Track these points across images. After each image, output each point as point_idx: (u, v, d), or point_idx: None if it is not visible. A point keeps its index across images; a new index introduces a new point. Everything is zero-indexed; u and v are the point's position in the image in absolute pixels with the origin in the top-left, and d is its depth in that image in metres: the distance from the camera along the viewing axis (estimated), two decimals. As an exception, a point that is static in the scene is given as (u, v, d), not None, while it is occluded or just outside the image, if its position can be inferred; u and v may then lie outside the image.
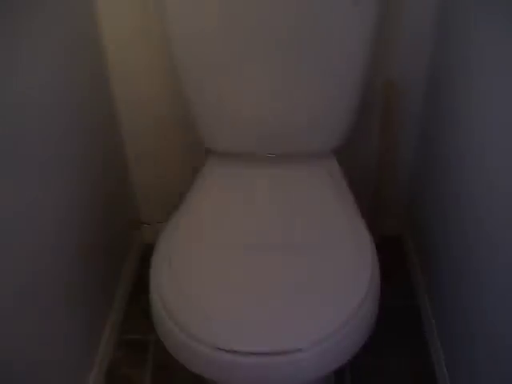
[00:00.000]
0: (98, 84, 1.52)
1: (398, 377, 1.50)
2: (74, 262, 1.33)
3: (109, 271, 1.61)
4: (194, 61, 1.33)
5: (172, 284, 1.08)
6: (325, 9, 1.25)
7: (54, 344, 1.24)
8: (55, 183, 1.23)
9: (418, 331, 1.61)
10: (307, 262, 1.12)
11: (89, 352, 1.45)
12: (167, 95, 1.59)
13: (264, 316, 1.02)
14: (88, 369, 1.43)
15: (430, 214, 1.59)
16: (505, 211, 1.06)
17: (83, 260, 1.39)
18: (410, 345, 1.57)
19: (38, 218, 1.14)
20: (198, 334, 0.98)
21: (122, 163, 1.72)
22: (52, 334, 1.22)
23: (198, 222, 1.24)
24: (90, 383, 1.41)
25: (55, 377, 1.24)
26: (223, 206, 1.30)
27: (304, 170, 1.40)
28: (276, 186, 1.37)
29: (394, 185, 1.75)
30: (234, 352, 0.96)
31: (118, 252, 1.70)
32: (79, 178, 1.37)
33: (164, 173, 1.77)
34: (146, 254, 1.84)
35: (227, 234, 1.21)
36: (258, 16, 1.26)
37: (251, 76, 1.34)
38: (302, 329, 1.00)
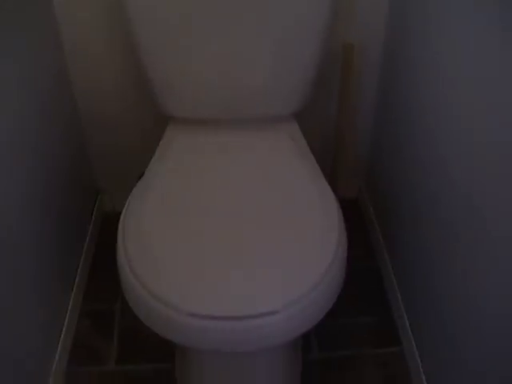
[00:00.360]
0: (52, 47, 1.47)
1: (361, 336, 1.53)
2: (35, 231, 1.31)
3: (69, 242, 1.58)
4: (152, 26, 1.30)
5: (140, 250, 1.07)
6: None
7: (17, 319, 1.21)
8: (11, 154, 1.19)
9: (379, 291, 1.64)
10: (276, 227, 1.13)
11: (53, 325, 1.43)
12: (125, 61, 1.56)
13: (235, 280, 1.02)
14: (54, 343, 1.42)
15: (389, 174, 1.61)
16: (465, 166, 1.09)
17: (42, 232, 1.36)
18: (372, 305, 1.61)
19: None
20: (170, 300, 0.98)
21: (78, 131, 1.68)
22: (12, 307, 1.19)
23: (162, 191, 1.22)
24: (56, 357, 1.40)
25: (20, 353, 1.22)
26: (186, 174, 1.28)
27: (266, 133, 1.40)
28: (238, 150, 1.36)
29: (352, 147, 1.77)
30: (206, 317, 0.96)
31: (77, 222, 1.67)
32: (35, 149, 1.33)
33: (122, 139, 1.74)
34: (106, 222, 1.82)
35: (193, 202, 1.19)
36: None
37: (210, 40, 1.32)
38: (274, 291, 1.00)
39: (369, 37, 1.55)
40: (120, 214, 1.18)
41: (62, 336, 1.45)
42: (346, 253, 1.11)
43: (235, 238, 1.10)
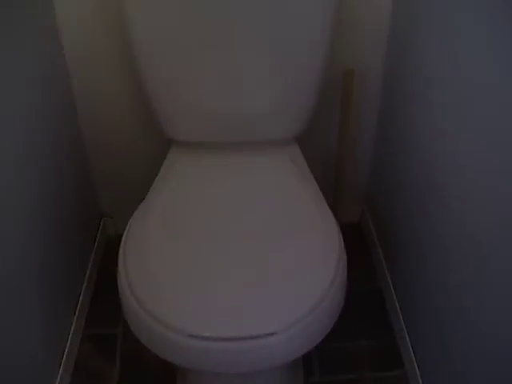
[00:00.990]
0: (56, 75, 1.50)
1: (363, 359, 1.52)
2: (37, 257, 1.32)
3: (72, 265, 1.59)
4: (153, 49, 1.31)
5: (141, 273, 1.08)
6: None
7: (17, 340, 1.21)
8: (17, 181, 1.21)
9: (381, 313, 1.64)
10: (275, 248, 1.14)
11: (55, 348, 1.43)
12: (127, 88, 1.58)
13: (235, 301, 1.02)
14: (56, 365, 1.42)
15: (390, 197, 1.62)
16: (470, 190, 1.10)
17: (45, 256, 1.37)
18: (374, 327, 1.61)
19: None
20: (170, 321, 0.99)
21: (82, 156, 1.70)
22: (14, 329, 1.20)
23: (163, 213, 1.23)
24: (58, 379, 1.40)
25: (22, 374, 1.23)
26: (188, 196, 1.29)
27: (267, 157, 1.42)
28: (240, 173, 1.38)
29: (354, 172, 1.78)
30: (207, 338, 0.97)
31: (80, 246, 1.68)
32: (41, 175, 1.35)
33: (125, 165, 1.76)
34: (109, 246, 1.83)
35: (195, 224, 1.21)
36: (218, 4, 1.26)
37: (211, 65, 1.33)
38: (273, 313, 1.01)
39: (369, 63, 1.57)
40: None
41: (64, 358, 1.45)
42: (345, 273, 1.12)
43: (236, 261, 1.11)
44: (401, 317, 1.53)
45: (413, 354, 1.43)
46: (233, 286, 1.06)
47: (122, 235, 1.20)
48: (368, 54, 1.57)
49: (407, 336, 1.47)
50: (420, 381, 1.38)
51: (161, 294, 1.04)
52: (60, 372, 1.42)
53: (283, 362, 1.05)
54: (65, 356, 1.46)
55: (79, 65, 1.54)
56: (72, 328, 1.53)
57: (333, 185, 1.76)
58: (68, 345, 1.48)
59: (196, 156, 1.42)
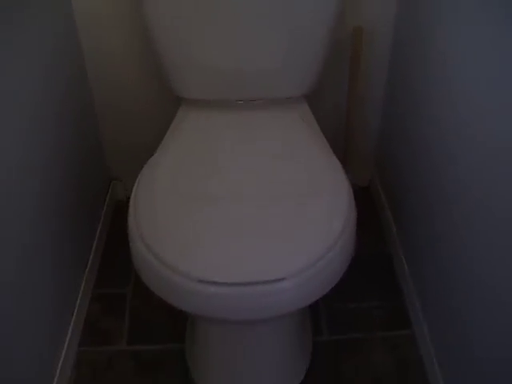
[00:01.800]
0: (67, 36, 1.50)
1: (372, 319, 1.53)
2: (48, 219, 1.32)
3: (82, 227, 1.59)
4: (163, 8, 1.31)
5: (151, 219, 1.08)
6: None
7: (30, 299, 1.22)
8: (27, 142, 1.21)
9: (390, 276, 1.64)
10: (287, 197, 1.14)
11: (66, 307, 1.44)
12: (137, 48, 1.58)
13: (246, 246, 1.02)
14: (66, 323, 1.43)
15: (399, 161, 1.61)
16: (477, 149, 1.09)
17: (56, 218, 1.38)
18: (383, 289, 1.61)
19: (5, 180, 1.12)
20: (178, 266, 0.99)
21: (91, 119, 1.70)
22: (26, 289, 1.20)
23: (174, 163, 1.24)
24: (67, 338, 1.41)
25: (32, 330, 1.23)
26: (197, 149, 1.29)
27: (277, 114, 1.41)
28: (249, 130, 1.37)
29: (362, 133, 1.77)
30: (216, 283, 0.97)
31: (90, 208, 1.68)
32: (50, 138, 1.35)
33: (135, 127, 1.75)
34: (118, 210, 1.83)
35: (204, 174, 1.21)
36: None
37: (221, 21, 1.33)
38: (284, 258, 1.01)
39: (379, 21, 1.56)
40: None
41: (74, 317, 1.46)
42: (355, 223, 1.11)
43: (246, 208, 1.11)
44: (409, 278, 1.52)
45: (421, 315, 1.43)
46: (243, 231, 1.06)
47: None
48: (378, 12, 1.55)
49: (416, 297, 1.47)
50: (428, 340, 1.38)
51: (170, 239, 1.04)
52: (70, 330, 1.43)
53: (292, 309, 1.05)
54: (74, 315, 1.47)
55: (89, 26, 1.54)
56: (82, 288, 1.54)
57: (342, 148, 1.75)
58: (78, 304, 1.49)
59: (205, 113, 1.42)
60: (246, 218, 1.09)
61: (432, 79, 1.32)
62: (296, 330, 1.30)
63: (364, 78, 1.62)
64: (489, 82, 1.04)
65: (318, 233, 1.05)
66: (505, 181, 0.97)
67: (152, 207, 1.11)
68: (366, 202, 1.85)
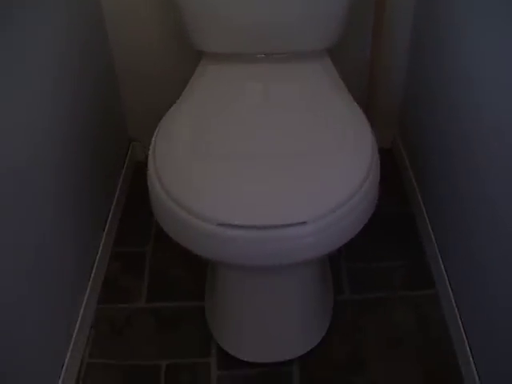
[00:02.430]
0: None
1: (395, 279, 1.51)
2: (69, 179, 1.32)
3: (101, 187, 1.59)
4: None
5: (169, 162, 1.07)
6: None
7: (50, 258, 1.22)
8: (49, 104, 1.21)
9: (413, 236, 1.62)
10: (310, 144, 1.12)
11: (85, 265, 1.44)
12: (156, 2, 1.56)
13: (266, 190, 1.01)
14: (86, 280, 1.43)
15: (423, 120, 1.58)
16: (501, 112, 1.05)
17: (76, 178, 1.37)
18: (406, 249, 1.58)
19: (27, 142, 1.11)
20: (199, 210, 0.97)
21: (111, 81, 1.69)
22: (47, 249, 1.20)
23: (194, 112, 1.23)
24: (87, 294, 1.41)
25: (53, 287, 1.23)
26: (219, 98, 1.28)
27: (300, 67, 1.38)
28: (272, 80, 1.35)
29: (386, 90, 1.73)
30: (235, 226, 0.95)
31: (110, 169, 1.68)
32: (72, 99, 1.35)
33: (153, 89, 1.73)
34: (138, 171, 1.82)
35: (226, 120, 1.20)
36: None
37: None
38: (306, 203, 0.99)
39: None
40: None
41: (93, 275, 1.46)
42: (379, 172, 1.09)
43: (268, 154, 1.10)
44: (433, 238, 1.50)
45: (445, 274, 1.40)
46: (263, 176, 1.04)
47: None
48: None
49: (440, 258, 1.44)
50: (453, 301, 1.35)
51: (188, 182, 1.03)
52: (89, 288, 1.43)
53: (313, 255, 1.03)
54: (93, 273, 1.46)
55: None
56: (101, 245, 1.53)
57: (364, 106, 1.71)
58: (97, 262, 1.49)
59: (225, 67, 1.39)
60: (267, 166, 1.07)
61: (459, 31, 1.28)
62: (318, 284, 1.29)
63: (388, 30, 1.58)
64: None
65: (341, 179, 1.03)
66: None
67: (171, 155, 1.10)
68: (388, 163, 1.82)
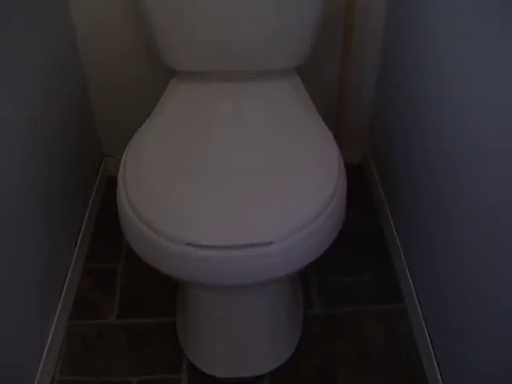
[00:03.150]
0: (58, 12, 1.49)
1: (364, 293, 1.53)
2: (40, 195, 1.32)
3: (74, 202, 1.59)
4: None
5: (139, 184, 1.07)
6: None
7: (19, 273, 1.21)
8: (17, 118, 1.21)
9: (382, 250, 1.64)
10: (276, 163, 1.13)
11: (56, 281, 1.44)
12: (128, 21, 1.57)
13: (234, 211, 1.02)
14: (57, 296, 1.42)
15: (391, 139, 1.60)
16: (467, 131, 1.08)
17: (47, 193, 1.37)
18: (374, 263, 1.60)
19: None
20: (167, 230, 0.98)
21: (83, 95, 1.69)
22: (16, 264, 1.20)
23: (163, 130, 1.24)
24: (58, 310, 1.40)
25: (23, 302, 1.23)
26: (188, 116, 1.29)
27: (269, 85, 1.40)
28: (241, 98, 1.37)
29: (355, 107, 1.76)
30: (204, 247, 0.96)
31: (82, 184, 1.68)
32: (42, 112, 1.34)
33: (126, 104, 1.74)
34: (110, 186, 1.83)
35: (194, 140, 1.20)
36: None
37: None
38: (272, 223, 1.00)
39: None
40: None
41: (64, 291, 1.45)
42: (345, 190, 1.11)
43: (235, 174, 1.11)
44: (401, 252, 1.52)
45: (413, 288, 1.43)
46: (231, 195, 1.05)
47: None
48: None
49: (407, 271, 1.47)
50: (420, 314, 1.37)
51: (157, 202, 1.03)
52: (60, 304, 1.42)
53: (280, 274, 1.04)
54: (65, 289, 1.46)
55: (81, 0, 1.53)
56: (72, 262, 1.53)
57: (334, 123, 1.74)
58: (68, 278, 1.48)
59: (196, 85, 1.41)
60: (235, 185, 1.08)
61: (425, 56, 1.31)
62: (288, 300, 1.30)
63: (357, 50, 1.60)
64: (482, 60, 1.03)
65: (307, 199, 1.05)
66: (495, 161, 0.97)
67: (140, 173, 1.11)
68: (358, 179, 1.84)
